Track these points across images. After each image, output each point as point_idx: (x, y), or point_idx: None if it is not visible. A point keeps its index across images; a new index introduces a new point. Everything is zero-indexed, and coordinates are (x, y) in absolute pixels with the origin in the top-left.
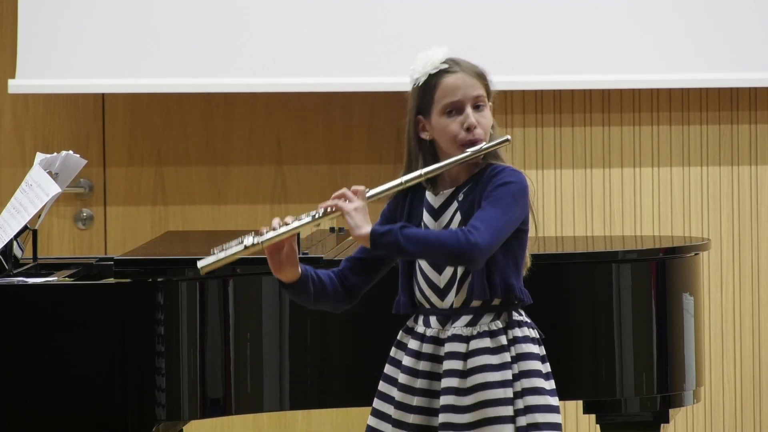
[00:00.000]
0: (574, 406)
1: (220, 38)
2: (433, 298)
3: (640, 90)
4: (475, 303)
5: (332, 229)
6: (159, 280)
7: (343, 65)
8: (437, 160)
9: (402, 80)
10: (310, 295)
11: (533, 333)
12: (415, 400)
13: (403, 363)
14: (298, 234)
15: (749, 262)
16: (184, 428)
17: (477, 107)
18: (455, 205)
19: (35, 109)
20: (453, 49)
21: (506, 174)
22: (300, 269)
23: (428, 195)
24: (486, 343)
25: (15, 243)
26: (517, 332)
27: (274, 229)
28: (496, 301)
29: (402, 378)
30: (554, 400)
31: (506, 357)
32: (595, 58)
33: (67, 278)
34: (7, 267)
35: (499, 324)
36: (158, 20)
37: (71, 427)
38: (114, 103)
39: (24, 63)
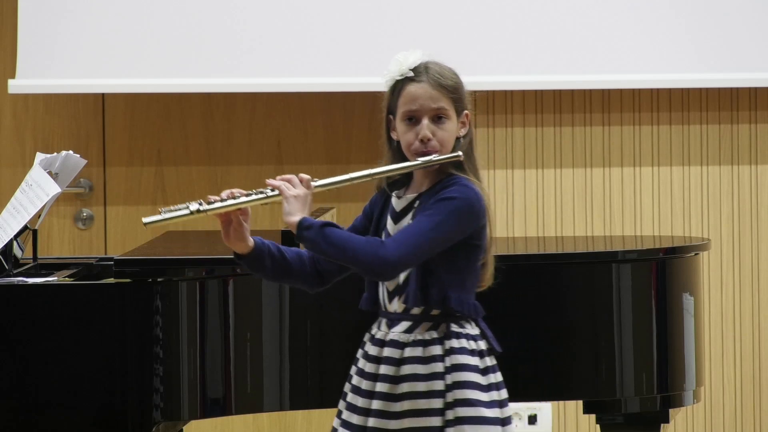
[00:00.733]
0: (574, 406)
1: (220, 38)
2: (385, 301)
3: (640, 90)
4: (415, 311)
5: None
6: (159, 280)
7: (343, 65)
8: (404, 161)
9: None
10: (266, 269)
11: (474, 345)
12: (360, 401)
13: (358, 363)
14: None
15: (749, 262)
16: (184, 428)
17: (438, 119)
18: (412, 212)
19: (35, 109)
20: (456, 49)
21: (452, 189)
22: (254, 243)
23: (393, 199)
24: (418, 352)
25: (15, 243)
26: (455, 343)
27: (222, 200)
28: (435, 312)
29: (354, 379)
30: (490, 412)
31: (437, 368)
32: (595, 58)
33: (67, 278)
34: (7, 267)
35: (435, 334)
36: (158, 20)
37: (71, 427)
38: (114, 103)
39: (24, 63)
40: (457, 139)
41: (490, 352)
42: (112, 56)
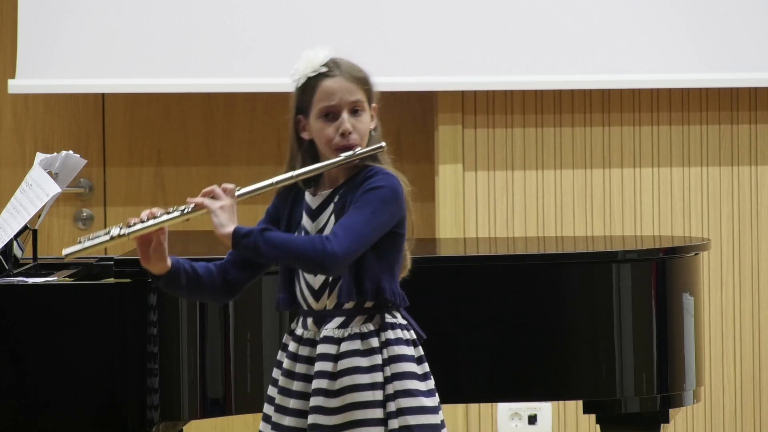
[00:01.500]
0: (574, 406)
1: (220, 38)
2: (310, 299)
3: (640, 90)
4: (348, 305)
5: None
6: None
7: None
8: (317, 161)
9: (403, 80)
10: (182, 287)
11: (407, 335)
12: (291, 402)
13: (283, 365)
14: (167, 228)
15: (749, 262)
16: (184, 428)
17: (354, 112)
18: (331, 207)
19: (35, 109)
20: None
21: (377, 178)
22: (171, 262)
23: (307, 196)
24: (356, 345)
25: (15, 243)
26: (390, 334)
27: (142, 221)
28: (369, 304)
29: (281, 381)
30: (430, 401)
31: (377, 359)
32: (595, 58)
33: (67, 278)
34: (7, 267)
35: (371, 326)
36: (158, 20)
37: (71, 427)
38: (114, 103)
39: (24, 63)
40: (370, 131)
41: (418, 341)
42: (112, 56)
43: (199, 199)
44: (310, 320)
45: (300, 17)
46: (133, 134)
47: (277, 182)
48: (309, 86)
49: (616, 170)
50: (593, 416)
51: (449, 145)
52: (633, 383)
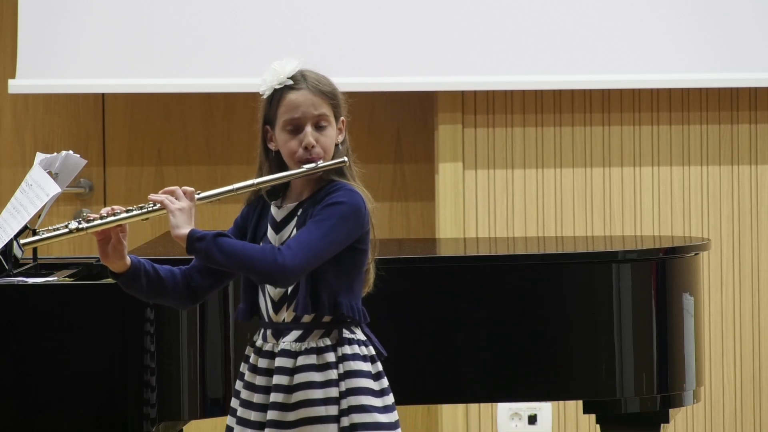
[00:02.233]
0: (574, 406)
1: (220, 38)
2: (270, 311)
3: (640, 90)
4: (305, 319)
5: None
6: None
7: (343, 65)
8: (282, 171)
9: (403, 80)
10: (141, 288)
11: (365, 350)
12: (253, 415)
13: (245, 378)
14: (126, 225)
15: (749, 262)
16: (184, 428)
17: (319, 126)
18: (295, 220)
19: (35, 109)
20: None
21: (339, 194)
22: (131, 261)
23: (273, 209)
24: (312, 360)
25: (15, 243)
26: (347, 350)
27: (101, 217)
28: (327, 319)
29: (243, 393)
30: (385, 417)
31: (332, 375)
32: (595, 58)
33: (67, 278)
34: (7, 267)
35: (328, 341)
36: (158, 20)
37: (71, 427)
38: (114, 103)
39: (24, 63)
40: (336, 145)
41: (378, 357)
42: (112, 56)
43: (159, 197)
44: (269, 332)
45: (300, 17)
46: (133, 134)
47: (238, 189)
48: (275, 98)
49: (616, 170)
50: (593, 416)
51: (449, 144)
52: (633, 383)
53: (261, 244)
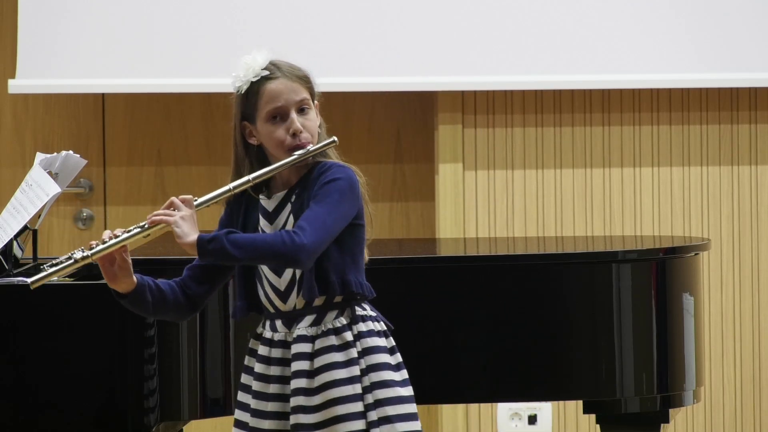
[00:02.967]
0: (574, 406)
1: (220, 38)
2: (277, 302)
3: (640, 90)
4: (317, 302)
5: None
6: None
7: (343, 65)
8: (265, 165)
9: (403, 80)
10: (148, 305)
11: (378, 326)
12: (269, 406)
13: (255, 370)
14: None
15: (749, 262)
16: (184, 428)
17: (301, 111)
18: (288, 207)
19: (35, 109)
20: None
21: (333, 171)
22: (136, 279)
23: (263, 200)
24: (332, 341)
25: (15, 243)
26: (362, 327)
27: (103, 242)
28: (338, 299)
29: (255, 385)
30: (406, 391)
31: (353, 353)
32: (595, 58)
33: (67, 278)
34: (7, 267)
35: (343, 320)
36: (158, 20)
37: (71, 427)
38: (114, 103)
39: (24, 63)
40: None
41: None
42: (112, 56)
43: (157, 216)
44: (279, 322)
45: (300, 17)
46: (133, 134)
47: (234, 188)
48: (252, 91)
49: (616, 170)
50: (593, 416)
51: (449, 144)
52: (633, 383)
53: None
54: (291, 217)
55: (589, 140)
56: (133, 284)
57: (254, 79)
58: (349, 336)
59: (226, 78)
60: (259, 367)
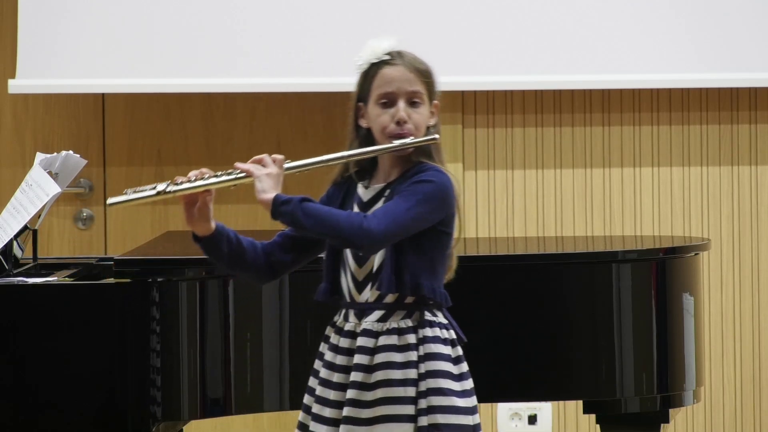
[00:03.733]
0: (574, 406)
1: (220, 38)
2: (353, 291)
3: (640, 90)
4: (389, 299)
5: None
6: (159, 280)
7: (343, 65)
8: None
9: None
10: (222, 255)
11: (446, 334)
12: (332, 394)
13: (325, 357)
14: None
15: (749, 262)
16: (184, 428)
17: (413, 103)
18: (381, 201)
19: (35, 109)
20: (456, 49)
21: (428, 173)
22: (215, 226)
23: (360, 189)
24: (393, 340)
25: (15, 243)
26: (428, 332)
27: (189, 181)
28: (409, 300)
29: (323, 372)
30: (463, 402)
31: (412, 356)
32: (595, 58)
33: (67, 278)
34: (7, 267)
35: (410, 323)
36: (158, 20)
37: (71, 427)
38: (114, 103)
39: (24, 63)
40: (428, 128)
41: (458, 342)
42: (112, 56)
43: (246, 166)
44: (351, 312)
45: (300, 17)
46: (133, 134)
47: (328, 160)
48: (370, 73)
49: (616, 170)
50: (593, 416)
51: (449, 144)
52: (633, 383)
53: None
54: None
55: (589, 140)
56: (211, 230)
57: (375, 61)
58: (412, 339)
59: (227, 78)
60: (329, 355)
